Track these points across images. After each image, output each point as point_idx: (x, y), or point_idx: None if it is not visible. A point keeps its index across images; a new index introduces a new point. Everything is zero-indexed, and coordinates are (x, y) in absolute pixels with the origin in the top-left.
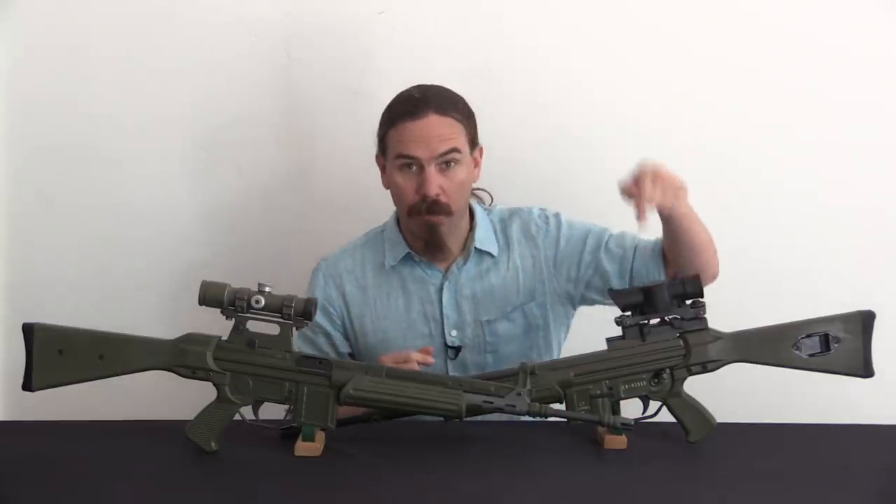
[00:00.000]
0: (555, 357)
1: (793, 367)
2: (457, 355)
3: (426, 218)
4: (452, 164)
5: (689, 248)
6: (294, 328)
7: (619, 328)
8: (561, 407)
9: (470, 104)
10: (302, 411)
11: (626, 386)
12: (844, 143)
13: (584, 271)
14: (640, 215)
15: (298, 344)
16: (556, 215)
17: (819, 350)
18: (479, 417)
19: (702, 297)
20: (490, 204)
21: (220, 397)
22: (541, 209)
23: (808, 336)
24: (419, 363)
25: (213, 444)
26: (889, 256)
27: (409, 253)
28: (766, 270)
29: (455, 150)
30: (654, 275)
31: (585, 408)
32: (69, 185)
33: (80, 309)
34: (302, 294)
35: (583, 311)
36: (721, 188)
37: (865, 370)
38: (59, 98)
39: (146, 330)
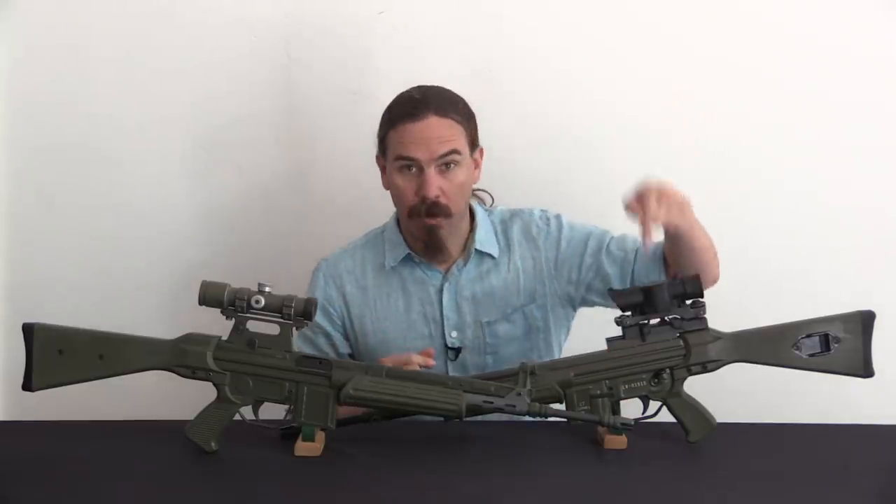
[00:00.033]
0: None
1: (793, 367)
2: (457, 356)
3: (425, 220)
4: (452, 165)
5: (690, 255)
6: (294, 328)
7: (619, 328)
8: (561, 407)
9: (470, 104)
10: (302, 411)
11: (626, 386)
12: (844, 143)
13: (584, 273)
14: (645, 235)
15: (299, 344)
16: (558, 217)
17: (819, 350)
18: (479, 417)
19: (702, 297)
20: (491, 205)
21: (220, 397)
22: (542, 210)
23: (808, 336)
24: (420, 366)
25: (213, 444)
26: (889, 256)
27: (409, 254)
28: (766, 270)
29: (455, 151)
30: (656, 278)
31: (585, 408)
32: (69, 185)
33: (80, 309)
34: (302, 294)
35: (583, 311)
36: (721, 188)
37: (865, 370)
38: (59, 98)
39: (146, 330)
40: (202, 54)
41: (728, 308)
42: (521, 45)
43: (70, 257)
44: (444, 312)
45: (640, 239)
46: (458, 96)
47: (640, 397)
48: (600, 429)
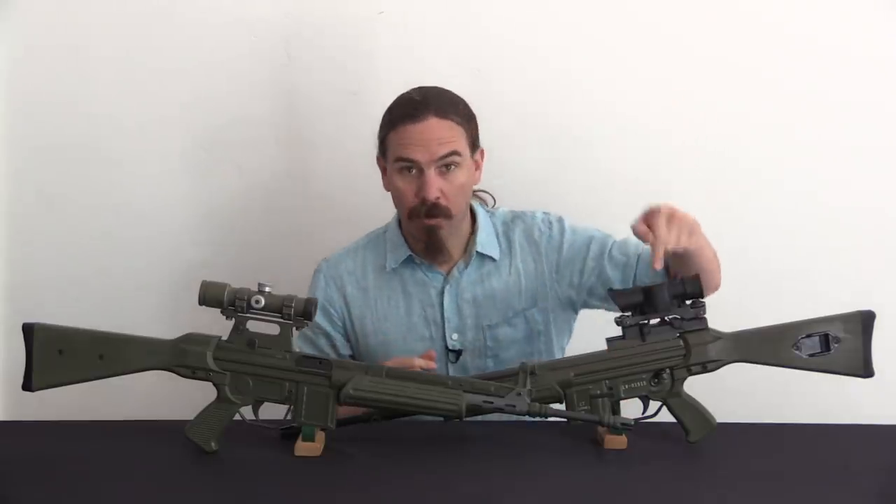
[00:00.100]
0: None
1: (793, 367)
2: (457, 359)
3: (425, 221)
4: (452, 167)
5: (695, 267)
6: (294, 328)
7: (619, 328)
8: (561, 407)
9: (470, 105)
10: (302, 411)
11: (626, 386)
12: (844, 143)
13: (586, 277)
14: (654, 259)
15: (299, 345)
16: (560, 220)
17: (819, 350)
18: (479, 417)
19: (702, 297)
20: (493, 206)
21: (220, 397)
22: (544, 213)
23: (808, 336)
24: (422, 369)
25: (213, 444)
26: (889, 256)
27: (410, 255)
28: (766, 270)
29: (455, 153)
30: None
31: (585, 408)
32: (69, 185)
33: (79, 309)
34: (302, 294)
35: (583, 312)
36: (721, 188)
37: (865, 370)
38: (59, 98)
39: (146, 330)
40: (202, 54)
41: (728, 308)
42: (520, 46)
43: (70, 257)
44: (445, 315)
45: (642, 245)
46: (458, 97)
47: (640, 397)
48: (600, 429)
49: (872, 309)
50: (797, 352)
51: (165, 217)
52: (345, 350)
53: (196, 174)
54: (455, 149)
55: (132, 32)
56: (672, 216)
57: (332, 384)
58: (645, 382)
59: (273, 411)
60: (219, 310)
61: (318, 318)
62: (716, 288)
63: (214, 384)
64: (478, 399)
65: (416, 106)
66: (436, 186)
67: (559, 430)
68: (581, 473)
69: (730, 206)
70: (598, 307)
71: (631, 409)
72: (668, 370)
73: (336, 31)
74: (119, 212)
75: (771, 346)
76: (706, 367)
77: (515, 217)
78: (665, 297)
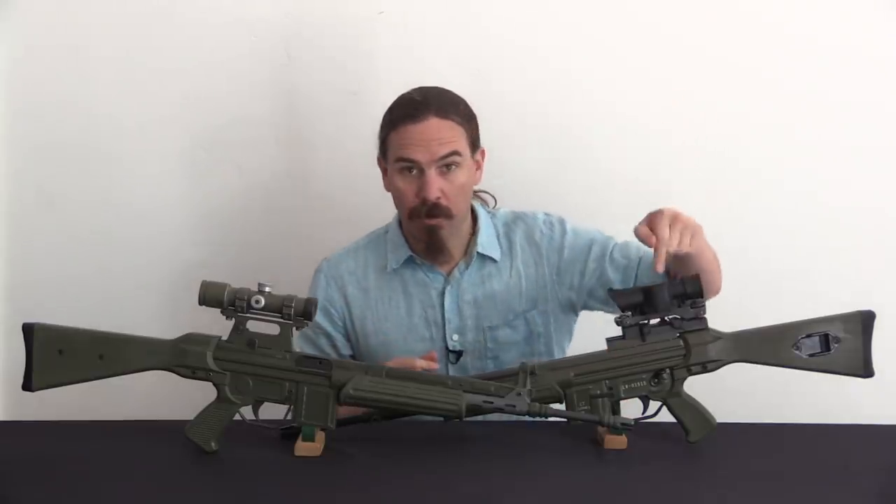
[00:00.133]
0: None
1: (793, 367)
2: (458, 360)
3: (426, 221)
4: (453, 167)
5: (697, 270)
6: (294, 328)
7: (619, 328)
8: (561, 407)
9: (470, 105)
10: (302, 411)
11: (626, 386)
12: (844, 143)
13: (587, 280)
14: (657, 262)
15: (300, 345)
16: (562, 221)
17: (819, 350)
18: (479, 417)
19: (702, 297)
20: (494, 206)
21: (220, 397)
22: (546, 215)
23: (808, 336)
24: (423, 369)
25: (213, 444)
26: (889, 256)
27: (411, 256)
28: (766, 270)
29: (455, 153)
30: None
31: (585, 408)
32: (69, 185)
33: (79, 308)
34: (302, 294)
35: (583, 313)
36: (721, 188)
37: (865, 370)
38: (59, 98)
39: (146, 330)
40: (202, 54)
41: (728, 308)
42: (521, 46)
43: (70, 257)
44: (446, 315)
45: (643, 247)
46: (459, 97)
47: (640, 397)
48: (600, 429)
49: (872, 309)
50: (797, 352)
51: (165, 217)
52: (345, 350)
53: (196, 174)
54: (455, 149)
55: (132, 32)
56: (675, 219)
57: (332, 384)
58: (645, 382)
59: (273, 411)
60: (219, 310)
61: (319, 317)
62: (716, 292)
63: (214, 384)
64: (478, 399)
65: (416, 106)
66: (436, 186)
67: (559, 430)
68: (581, 473)
69: (730, 206)
70: (599, 309)
71: (631, 409)
72: (668, 370)
73: (336, 31)
74: (119, 212)
75: (771, 346)
76: (706, 367)
77: (517, 218)
78: (665, 297)
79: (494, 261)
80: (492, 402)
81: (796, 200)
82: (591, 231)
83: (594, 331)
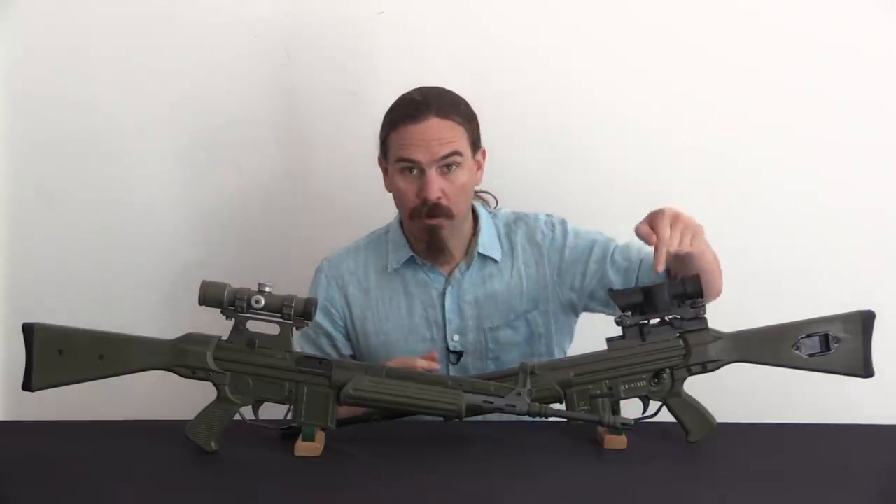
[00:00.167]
0: None
1: (793, 367)
2: (458, 360)
3: (427, 221)
4: (454, 167)
5: (697, 271)
6: (294, 328)
7: (619, 328)
8: (561, 407)
9: (471, 105)
10: (302, 411)
11: (626, 386)
12: (844, 143)
13: (588, 281)
14: (657, 262)
15: (301, 345)
16: (563, 223)
17: (819, 350)
18: (479, 417)
19: (702, 297)
20: (495, 207)
21: (220, 397)
22: (547, 216)
23: (808, 336)
24: (424, 370)
25: (213, 444)
26: (889, 256)
27: (412, 256)
28: (766, 270)
29: (456, 153)
30: None
31: (585, 408)
32: (69, 183)
33: (79, 307)
34: (302, 294)
35: (584, 314)
36: (721, 188)
37: (865, 370)
38: (59, 98)
39: (146, 329)
40: (202, 54)
41: (728, 308)
42: (521, 46)
43: (70, 256)
44: (447, 316)
45: (644, 249)
46: (459, 97)
47: (640, 397)
48: (600, 429)
49: (872, 309)
50: (797, 352)
51: (165, 217)
52: (346, 350)
53: (196, 174)
54: (456, 149)
55: (132, 32)
56: (676, 219)
57: (332, 384)
58: (645, 382)
59: (273, 411)
60: (219, 310)
61: (320, 317)
62: (717, 295)
63: (214, 384)
64: (478, 399)
65: (417, 106)
66: (437, 186)
67: (559, 430)
68: (581, 473)
69: (730, 206)
70: (599, 311)
71: (631, 409)
72: (668, 370)
73: (336, 31)
74: (119, 211)
75: (771, 346)
76: (706, 367)
77: (518, 218)
78: (665, 297)
79: (495, 261)
80: (492, 402)
81: (796, 200)
82: (592, 233)
83: (594, 331)
